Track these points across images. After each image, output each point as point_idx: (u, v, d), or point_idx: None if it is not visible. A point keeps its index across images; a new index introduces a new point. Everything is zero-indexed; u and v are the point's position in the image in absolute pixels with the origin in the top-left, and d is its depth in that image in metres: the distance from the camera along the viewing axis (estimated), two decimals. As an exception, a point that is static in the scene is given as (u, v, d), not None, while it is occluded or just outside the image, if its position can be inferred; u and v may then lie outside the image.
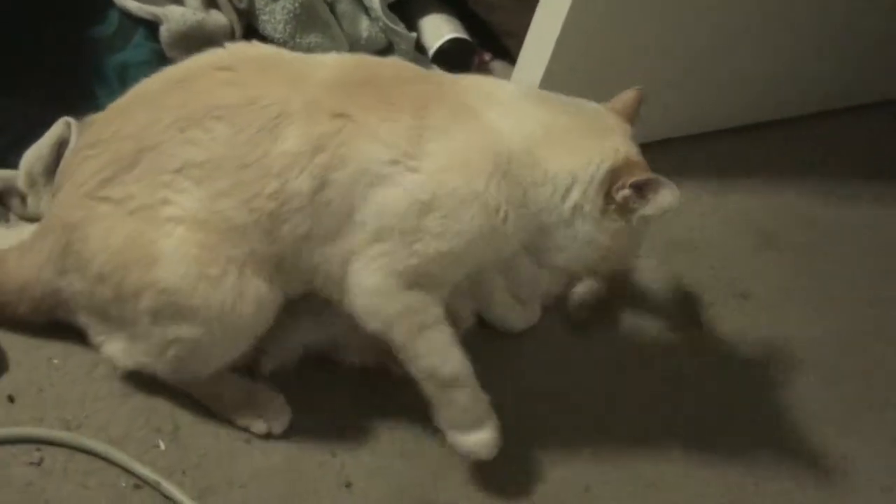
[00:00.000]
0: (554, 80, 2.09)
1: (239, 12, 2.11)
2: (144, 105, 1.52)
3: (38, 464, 1.55)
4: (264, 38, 2.14)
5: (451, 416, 1.61)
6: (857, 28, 2.46)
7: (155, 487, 1.56)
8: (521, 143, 1.52)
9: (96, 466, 1.57)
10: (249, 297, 1.50)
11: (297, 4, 2.12)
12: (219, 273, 1.48)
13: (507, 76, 2.29)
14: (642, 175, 1.53)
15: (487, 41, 2.49)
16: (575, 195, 1.53)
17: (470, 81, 1.60)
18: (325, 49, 2.16)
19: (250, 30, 2.14)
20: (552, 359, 1.91)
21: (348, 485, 1.65)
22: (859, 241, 2.38)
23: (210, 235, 1.47)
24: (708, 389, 1.96)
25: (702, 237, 2.26)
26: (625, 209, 1.54)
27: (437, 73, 1.61)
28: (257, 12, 2.13)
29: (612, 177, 1.53)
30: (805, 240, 2.34)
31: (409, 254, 1.50)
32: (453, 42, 2.41)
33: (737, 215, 2.33)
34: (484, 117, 1.52)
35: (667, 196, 1.52)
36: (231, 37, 2.06)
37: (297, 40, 2.14)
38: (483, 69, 2.48)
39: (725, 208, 2.34)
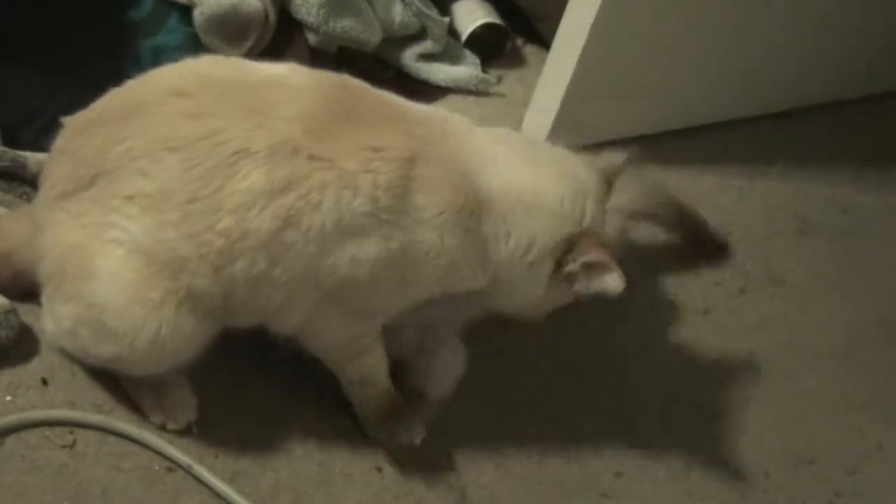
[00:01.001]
0: (588, 65, 2.08)
1: (273, -4, 2.11)
2: (104, 126, 1.48)
3: (72, 446, 1.56)
4: (298, 22, 2.14)
5: (369, 411, 1.68)
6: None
7: (187, 470, 1.57)
8: (494, 200, 1.51)
9: (129, 449, 1.58)
10: (175, 333, 1.47)
11: (330, -12, 2.12)
12: (151, 304, 1.45)
13: (540, 61, 2.28)
14: (595, 256, 1.53)
15: (520, 26, 2.48)
16: (531, 256, 1.54)
17: (457, 127, 1.57)
18: (358, 33, 2.16)
19: (284, 13, 2.14)
20: (574, 348, 1.90)
21: (380, 469, 1.65)
22: (895, 228, 2.36)
23: (149, 265, 1.45)
24: (739, 375, 1.95)
25: (737, 222, 2.25)
26: (569, 279, 1.56)
27: (419, 108, 1.57)
28: (291, -4, 2.13)
29: (567, 245, 1.54)
30: (840, 226, 2.32)
31: (368, 295, 1.52)
32: (486, 27, 2.40)
33: (772, 201, 2.32)
34: (468, 170, 1.50)
35: (611, 283, 1.53)
36: (265, 20, 2.06)
37: (331, 24, 2.14)
38: (516, 54, 2.47)
39: (760, 194, 2.33)
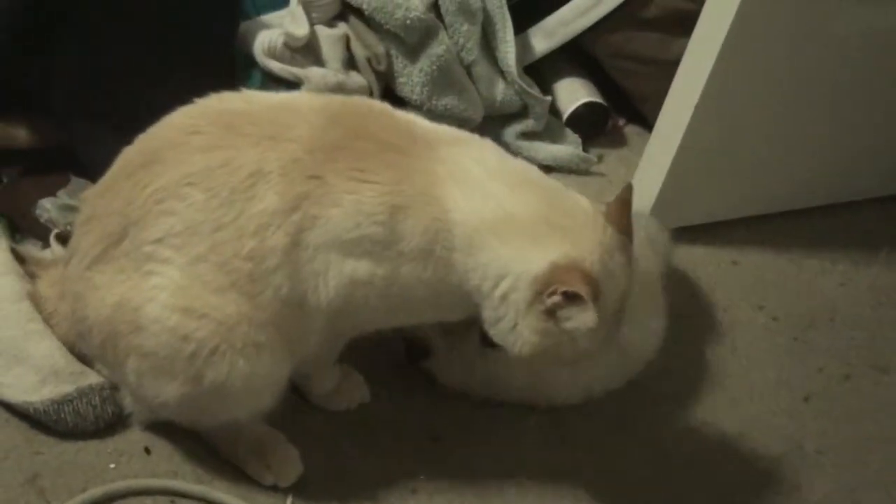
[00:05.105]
0: (691, 146, 2.08)
1: (377, 74, 2.15)
2: (126, 179, 1.53)
3: (173, 515, 1.59)
4: (401, 100, 2.17)
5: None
6: None
7: (283, 544, 1.58)
8: (470, 227, 1.49)
9: (227, 520, 1.60)
10: (230, 370, 1.49)
11: (434, 68, 2.15)
12: (198, 342, 1.48)
13: (641, 141, 2.29)
14: (574, 286, 1.44)
15: (622, 106, 2.49)
16: (504, 286, 1.49)
17: (446, 153, 1.54)
18: (461, 111, 2.19)
19: (388, 91, 2.18)
20: (664, 428, 1.87)
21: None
22: None
23: (192, 301, 1.47)
24: (840, 462, 1.92)
25: (840, 307, 2.21)
26: (552, 314, 1.48)
27: (417, 133, 1.56)
28: (395, 74, 2.17)
29: (548, 279, 1.46)
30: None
31: (357, 317, 1.57)
32: (588, 106, 2.41)
33: (877, 287, 2.28)
34: (447, 198, 1.50)
35: (581, 319, 1.46)
36: (370, 97, 2.10)
37: (434, 102, 2.17)
38: (617, 133, 2.48)
39: (865, 279, 2.29)
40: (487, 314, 1.53)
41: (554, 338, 1.50)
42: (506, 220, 1.50)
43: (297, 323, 1.52)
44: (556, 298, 1.46)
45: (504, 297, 1.50)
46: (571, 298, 1.45)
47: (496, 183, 1.52)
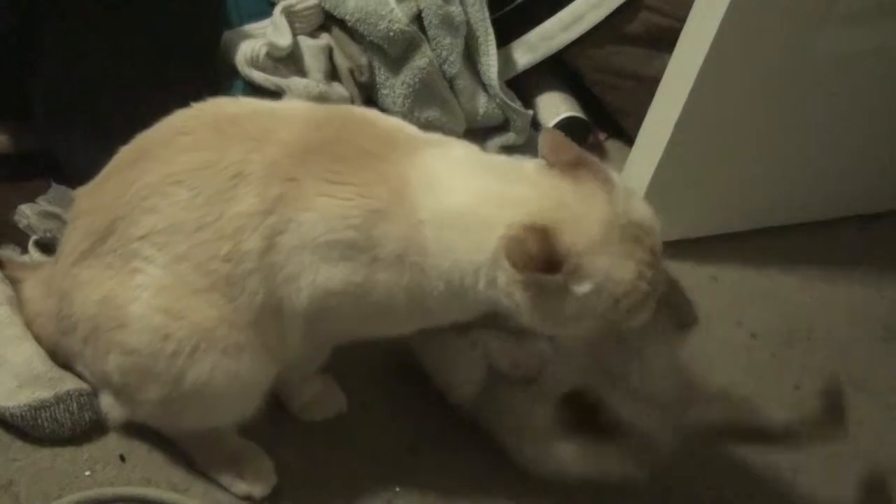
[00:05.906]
0: (671, 162, 2.09)
1: (360, 85, 2.15)
2: (116, 175, 1.53)
3: (147, 523, 1.58)
4: (383, 111, 2.17)
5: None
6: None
7: (256, 552, 1.58)
8: (435, 227, 1.46)
9: (202, 529, 1.59)
10: (212, 370, 1.49)
11: (416, 80, 2.15)
12: (178, 340, 1.47)
13: (622, 156, 2.29)
14: (532, 248, 1.38)
15: (603, 120, 2.49)
16: (483, 277, 1.45)
17: (421, 158, 1.50)
18: (442, 123, 2.19)
19: (370, 102, 2.18)
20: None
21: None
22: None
23: (175, 301, 1.47)
24: (817, 480, 1.92)
25: (818, 325, 2.22)
26: (535, 279, 1.41)
27: (399, 139, 1.53)
28: (378, 86, 2.17)
29: (507, 253, 1.40)
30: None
31: (337, 325, 1.56)
32: (569, 120, 2.41)
33: (854, 305, 2.29)
34: (417, 201, 1.46)
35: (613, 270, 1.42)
36: (352, 109, 2.10)
37: (416, 114, 2.17)
38: (598, 148, 2.48)
39: (843, 297, 2.29)
40: (500, 304, 1.48)
41: (552, 297, 1.43)
42: (460, 211, 1.46)
43: (277, 328, 1.52)
44: (528, 270, 1.40)
45: (492, 285, 1.45)
46: (547, 262, 1.39)
47: (456, 176, 1.49)
